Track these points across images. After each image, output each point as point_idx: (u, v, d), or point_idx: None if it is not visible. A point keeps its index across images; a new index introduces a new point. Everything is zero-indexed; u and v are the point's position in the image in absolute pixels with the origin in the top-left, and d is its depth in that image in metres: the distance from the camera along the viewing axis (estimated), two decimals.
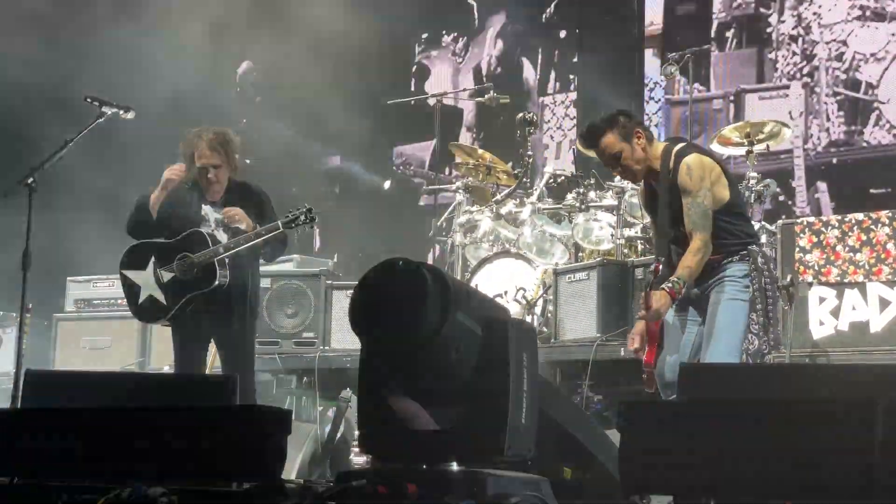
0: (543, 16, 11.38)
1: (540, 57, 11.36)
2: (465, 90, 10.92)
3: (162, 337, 9.37)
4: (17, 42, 9.99)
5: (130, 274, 6.52)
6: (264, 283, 8.00)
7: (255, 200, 6.50)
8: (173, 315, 6.44)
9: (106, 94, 6.75)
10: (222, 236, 6.41)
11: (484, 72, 11.63)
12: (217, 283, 6.32)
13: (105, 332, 8.86)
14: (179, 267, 6.33)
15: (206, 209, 6.48)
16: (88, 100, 6.62)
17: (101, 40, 10.54)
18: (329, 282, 8.02)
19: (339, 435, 7.69)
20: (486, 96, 9.24)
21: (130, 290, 6.50)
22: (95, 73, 10.00)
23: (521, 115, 8.15)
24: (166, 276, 6.39)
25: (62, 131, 6.75)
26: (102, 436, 3.86)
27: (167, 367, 8.70)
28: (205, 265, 6.31)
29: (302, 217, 6.32)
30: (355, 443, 7.35)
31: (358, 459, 7.23)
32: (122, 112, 6.65)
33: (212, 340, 6.61)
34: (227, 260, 6.34)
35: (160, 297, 6.41)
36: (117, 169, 9.97)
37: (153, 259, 6.42)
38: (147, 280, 6.45)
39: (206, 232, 6.41)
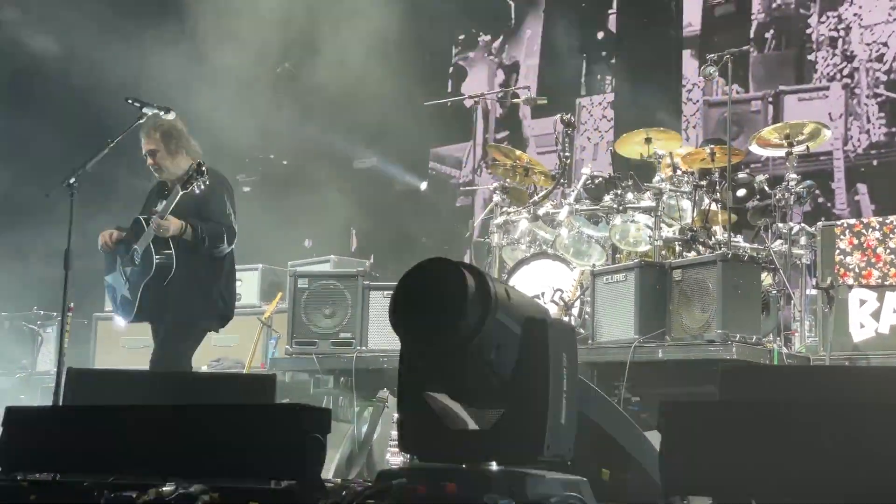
0: (581, 17, 11.36)
1: (577, 58, 11.33)
2: (502, 91, 10.90)
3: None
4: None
5: (108, 278, 6.68)
6: (301, 283, 8.05)
7: (206, 189, 6.51)
8: (138, 308, 6.52)
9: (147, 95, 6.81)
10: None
11: (521, 72, 11.62)
12: (155, 267, 6.37)
13: (144, 331, 8.89)
14: (129, 259, 6.45)
15: (162, 204, 6.58)
16: (129, 101, 6.67)
17: (145, 40, 10.64)
18: (366, 282, 8.02)
19: (375, 435, 7.71)
20: (523, 97, 9.24)
21: (112, 293, 6.62)
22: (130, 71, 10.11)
23: (559, 116, 8.14)
24: (127, 271, 6.51)
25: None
26: (143, 433, 3.89)
27: (205, 367, 8.76)
28: (143, 252, 6.43)
29: (194, 174, 6.39)
30: (392, 443, 7.38)
31: (395, 459, 7.25)
32: (161, 113, 6.69)
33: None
34: (170, 244, 6.40)
35: (127, 293, 6.52)
36: None
37: (118, 258, 6.55)
38: (118, 279, 6.57)
39: (142, 218, 6.51)
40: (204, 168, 6.39)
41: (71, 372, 5.27)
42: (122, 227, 6.67)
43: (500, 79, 11.69)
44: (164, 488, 3.52)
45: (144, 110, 6.62)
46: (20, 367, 10.03)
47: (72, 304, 6.42)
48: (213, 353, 9.12)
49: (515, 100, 9.75)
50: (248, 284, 9.70)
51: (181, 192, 6.37)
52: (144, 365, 6.89)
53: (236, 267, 6.88)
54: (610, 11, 11.18)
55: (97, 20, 10.71)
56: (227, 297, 6.74)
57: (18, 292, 9.22)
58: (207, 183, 6.38)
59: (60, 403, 5.50)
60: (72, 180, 6.28)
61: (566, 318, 7.41)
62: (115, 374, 6.10)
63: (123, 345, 9.01)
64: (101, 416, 4.08)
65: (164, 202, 6.47)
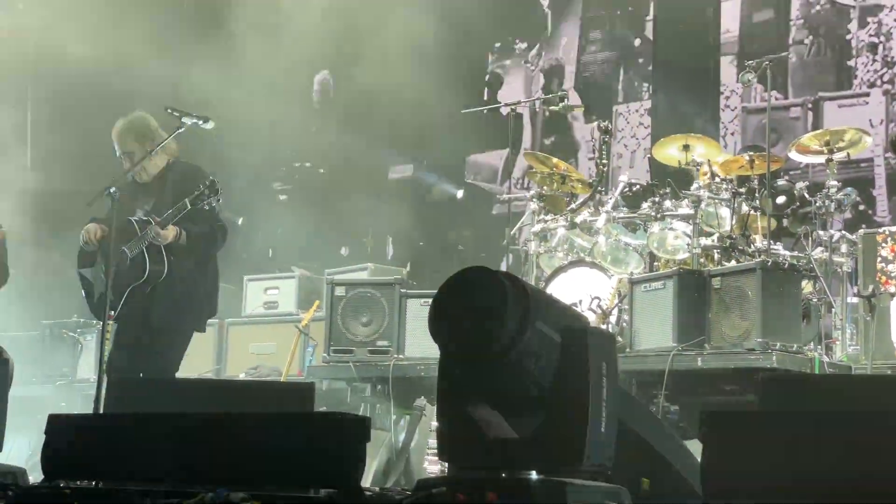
0: (618, 23, 11.33)
1: (614, 65, 11.31)
2: (538, 98, 10.88)
3: (237, 344, 9.50)
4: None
5: (85, 272, 6.68)
6: (339, 291, 8.06)
7: (188, 185, 6.54)
8: (121, 309, 6.51)
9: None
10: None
11: (557, 79, 11.59)
12: (148, 272, 6.39)
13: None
14: (117, 259, 6.45)
15: (149, 205, 6.59)
16: (169, 110, 6.72)
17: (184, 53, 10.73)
18: (403, 290, 8.02)
19: (413, 443, 7.71)
20: (559, 104, 9.22)
21: (88, 287, 6.61)
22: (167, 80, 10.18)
23: (596, 123, 8.12)
24: (111, 271, 6.49)
25: None
26: (183, 441, 3.91)
27: (243, 375, 8.79)
28: (134, 255, 6.41)
29: (206, 191, 6.40)
30: (430, 451, 7.37)
31: (432, 468, 7.24)
32: (200, 122, 6.74)
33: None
34: (163, 250, 6.41)
35: (109, 292, 6.48)
36: None
37: (98, 255, 6.57)
38: (97, 276, 6.58)
39: (133, 220, 6.52)
40: (218, 186, 6.41)
41: (112, 380, 5.31)
42: (100, 219, 6.65)
43: (540, 83, 11.67)
44: (205, 496, 3.53)
45: (184, 119, 6.67)
46: (60, 374, 10.11)
47: (111, 312, 6.45)
48: (250, 361, 9.16)
49: (552, 107, 9.71)
50: (285, 292, 9.74)
51: (189, 208, 6.38)
52: (183, 372, 6.94)
53: (274, 275, 6.95)
54: (647, 18, 11.14)
55: (138, 29, 10.81)
56: (213, 294, 6.78)
57: (58, 300, 9.30)
58: (220, 201, 6.42)
59: (101, 411, 5.55)
60: (112, 189, 6.33)
61: (604, 327, 7.38)
62: (155, 383, 6.15)
63: None
64: (142, 423, 4.11)
65: (152, 206, 6.50)
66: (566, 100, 9.22)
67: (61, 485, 3.97)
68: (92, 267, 6.64)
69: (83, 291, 6.77)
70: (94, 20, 10.58)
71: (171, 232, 6.44)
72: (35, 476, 4.47)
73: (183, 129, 6.66)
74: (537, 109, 11.48)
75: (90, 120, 11.26)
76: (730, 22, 10.53)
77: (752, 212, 7.75)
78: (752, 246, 7.61)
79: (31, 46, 11.40)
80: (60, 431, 4.15)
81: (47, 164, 11.41)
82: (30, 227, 8.62)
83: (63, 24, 10.59)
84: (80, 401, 9.41)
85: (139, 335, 6.59)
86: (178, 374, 6.75)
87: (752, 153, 7.91)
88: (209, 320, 7.03)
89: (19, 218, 9.07)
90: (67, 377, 10.12)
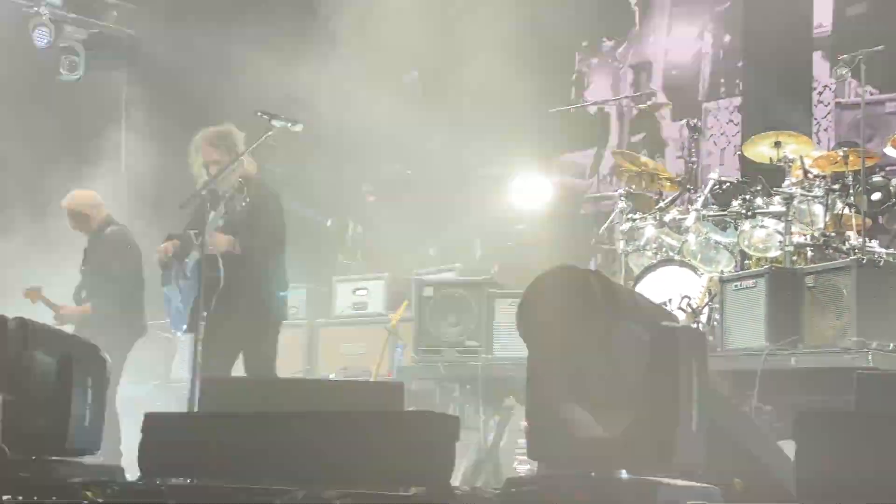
0: (708, 19, 11.20)
1: (703, 62, 11.18)
2: (626, 97, 10.81)
3: (327, 345, 9.59)
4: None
5: (165, 289, 6.88)
6: (427, 291, 8.09)
7: (258, 202, 6.64)
8: (190, 320, 6.65)
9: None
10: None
11: (645, 77, 11.50)
12: (205, 280, 6.47)
13: None
14: (182, 272, 6.57)
15: (212, 216, 6.67)
16: (259, 113, 6.80)
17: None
18: (491, 290, 8.03)
19: (502, 443, 7.71)
20: (647, 102, 9.16)
21: (168, 304, 6.76)
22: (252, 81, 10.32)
23: (685, 120, 8.06)
24: (180, 284, 6.63)
25: None
26: (276, 439, 3.96)
27: (332, 375, 8.88)
28: (193, 266, 6.56)
29: (235, 193, 6.51)
30: (519, 451, 7.37)
31: (521, 468, 7.24)
32: (290, 125, 6.81)
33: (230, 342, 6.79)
34: (218, 258, 6.48)
35: (181, 305, 6.70)
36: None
37: (172, 271, 6.75)
38: (172, 291, 6.72)
39: (192, 233, 6.63)
40: (244, 186, 6.49)
41: (205, 380, 5.40)
42: (174, 235, 6.80)
43: (629, 79, 11.58)
44: (298, 494, 3.57)
45: (273, 122, 6.75)
46: (155, 375, 10.30)
47: (205, 313, 6.56)
48: (340, 361, 9.25)
49: (640, 105, 9.66)
50: (374, 293, 9.81)
51: (224, 211, 6.48)
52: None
53: (363, 276, 7.00)
54: (737, 13, 11.00)
55: (225, 29, 10.96)
56: (279, 301, 6.92)
57: (153, 301, 9.46)
58: (248, 200, 6.50)
59: (195, 410, 5.64)
60: (203, 192, 6.43)
61: (694, 326, 7.31)
62: (247, 382, 6.25)
63: None
64: (236, 422, 4.17)
65: (212, 214, 6.62)
66: (654, 98, 9.14)
67: (157, 482, 4.04)
68: (169, 284, 6.84)
69: (165, 310, 6.98)
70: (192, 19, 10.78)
71: (223, 240, 6.55)
72: (132, 474, 4.56)
73: (272, 133, 6.74)
74: (624, 107, 11.41)
75: (182, 122, 11.47)
76: (822, 16, 10.35)
77: (846, 209, 7.62)
78: (846, 243, 7.48)
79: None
80: (157, 430, 4.23)
81: (139, 170, 11.64)
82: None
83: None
84: (174, 401, 9.57)
85: (223, 342, 6.75)
86: None
87: (846, 149, 7.78)
88: (297, 321, 7.15)
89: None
90: (162, 377, 10.31)
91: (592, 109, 9.77)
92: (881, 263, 6.82)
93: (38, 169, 10.85)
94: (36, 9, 11.44)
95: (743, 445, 4.53)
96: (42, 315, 7.74)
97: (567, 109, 10.17)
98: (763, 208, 7.67)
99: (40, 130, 11.02)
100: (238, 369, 6.92)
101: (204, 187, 6.53)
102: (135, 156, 11.85)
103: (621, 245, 8.25)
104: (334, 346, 9.56)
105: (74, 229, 8.34)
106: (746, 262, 7.82)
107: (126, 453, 7.35)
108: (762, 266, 7.38)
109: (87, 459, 4.77)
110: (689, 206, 8.03)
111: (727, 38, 11.03)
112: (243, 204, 6.50)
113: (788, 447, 3.98)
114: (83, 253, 8.32)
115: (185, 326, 6.72)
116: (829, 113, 10.22)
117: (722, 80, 11.06)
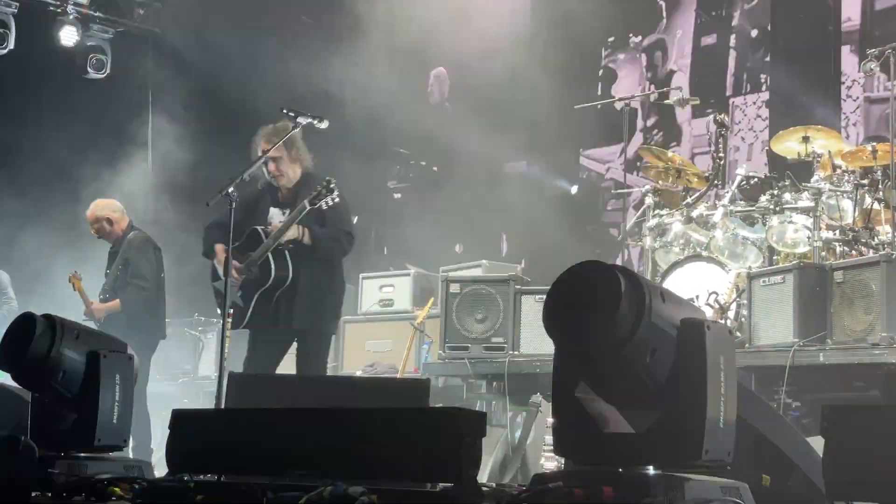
0: (735, 14, 11.15)
1: (730, 57, 11.13)
2: (653, 92, 10.77)
3: (353, 342, 9.61)
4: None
5: (218, 284, 6.80)
6: (453, 287, 8.09)
7: (342, 201, 6.64)
8: (251, 315, 6.70)
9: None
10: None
11: (672, 73, 11.46)
12: (273, 277, 6.47)
13: None
14: (242, 268, 6.57)
15: (273, 212, 6.70)
16: (284, 111, 6.81)
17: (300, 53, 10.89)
18: (518, 287, 8.02)
19: (529, 439, 7.69)
20: (674, 98, 9.12)
21: (221, 299, 6.76)
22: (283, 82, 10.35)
23: (712, 116, 8.02)
24: (241, 279, 6.64)
25: None
26: (302, 435, 3.97)
27: (359, 372, 8.88)
28: (261, 262, 6.51)
29: (323, 191, 6.49)
30: (546, 447, 7.35)
31: (549, 465, 7.22)
32: (315, 122, 6.81)
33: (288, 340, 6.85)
34: (287, 255, 6.52)
35: (239, 301, 6.67)
36: None
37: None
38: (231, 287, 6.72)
39: (260, 228, 6.65)
40: (333, 185, 6.51)
41: (232, 376, 5.42)
42: (232, 247, 6.81)
43: (654, 73, 11.53)
44: (325, 489, 3.57)
45: (299, 119, 6.75)
46: (182, 372, 10.35)
47: (231, 311, 6.59)
48: (366, 358, 9.25)
49: (667, 101, 9.61)
50: (400, 290, 9.81)
51: (308, 208, 6.51)
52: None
53: (389, 273, 7.00)
54: (764, 8, 10.93)
55: (251, 26, 11.01)
56: (341, 297, 6.99)
57: (180, 299, 9.52)
58: (336, 201, 6.53)
59: (222, 407, 5.66)
60: (230, 189, 6.44)
61: (722, 322, 7.28)
62: (274, 379, 6.27)
63: None
64: (263, 418, 4.18)
65: (278, 210, 6.63)
66: (680, 93, 9.10)
67: (185, 478, 4.06)
68: (221, 280, 6.84)
69: (217, 305, 7.01)
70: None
71: (293, 230, 6.59)
72: (160, 470, 4.58)
73: (297, 129, 6.75)
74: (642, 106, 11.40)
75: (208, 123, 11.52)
76: (851, 10, 10.28)
77: (875, 204, 7.56)
78: (875, 238, 7.42)
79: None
80: (184, 426, 4.25)
81: (166, 168, 11.70)
82: (150, 229, 8.85)
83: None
84: (201, 397, 9.63)
85: (281, 339, 6.81)
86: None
87: (875, 143, 7.72)
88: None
89: (139, 216, 9.31)
90: (189, 375, 10.36)
91: (619, 105, 9.71)
92: None
93: (69, 164, 10.94)
94: (63, 8, 11.52)
95: (771, 441, 4.50)
96: (69, 306, 7.82)
97: (593, 105, 10.13)
98: (791, 203, 7.63)
99: (70, 127, 11.11)
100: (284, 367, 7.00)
101: (230, 185, 6.52)
102: (160, 152, 11.92)
103: (648, 241, 8.22)
104: (361, 342, 9.56)
105: (98, 236, 8.45)
106: (775, 257, 7.78)
107: (155, 450, 7.40)
108: (790, 262, 7.33)
109: (115, 455, 4.80)
110: (717, 202, 7.99)
111: (754, 32, 10.97)
112: (331, 202, 6.53)
113: (817, 443, 3.96)
114: (107, 257, 8.40)
115: (243, 321, 6.77)
116: (857, 108, 10.14)
117: (748, 76, 11.00)
